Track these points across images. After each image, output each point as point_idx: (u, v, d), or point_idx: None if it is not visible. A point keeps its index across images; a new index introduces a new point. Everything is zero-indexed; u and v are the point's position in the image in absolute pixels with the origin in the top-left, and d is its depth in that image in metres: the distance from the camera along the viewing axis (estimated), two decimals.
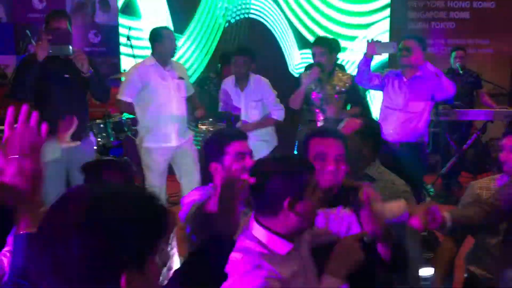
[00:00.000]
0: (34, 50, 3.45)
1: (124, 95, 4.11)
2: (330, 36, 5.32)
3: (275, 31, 6.40)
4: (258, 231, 1.61)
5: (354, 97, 4.19)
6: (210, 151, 2.18)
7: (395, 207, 1.79)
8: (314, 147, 2.05)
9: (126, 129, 5.02)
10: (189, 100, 4.23)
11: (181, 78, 4.11)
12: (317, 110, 4.13)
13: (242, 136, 2.19)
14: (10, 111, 1.17)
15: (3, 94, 4.85)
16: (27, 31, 5.37)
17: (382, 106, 3.96)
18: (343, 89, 4.12)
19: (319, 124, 4.06)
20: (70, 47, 3.34)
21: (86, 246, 0.80)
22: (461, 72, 5.67)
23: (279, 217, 1.58)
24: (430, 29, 6.53)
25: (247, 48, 4.42)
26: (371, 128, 2.38)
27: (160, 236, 0.88)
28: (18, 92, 3.49)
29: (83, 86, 3.60)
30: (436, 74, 3.74)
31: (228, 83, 4.39)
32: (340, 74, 4.20)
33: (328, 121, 3.98)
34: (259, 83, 4.28)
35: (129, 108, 4.18)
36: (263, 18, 6.40)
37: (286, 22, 6.36)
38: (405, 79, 3.86)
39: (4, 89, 5.05)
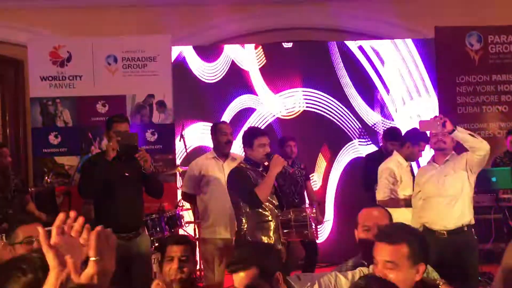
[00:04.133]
0: (105, 149, 3.73)
1: (186, 187, 4.41)
2: None
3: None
4: None
5: None
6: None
7: None
8: None
9: (179, 224, 5.14)
10: None
11: None
12: None
13: None
14: (61, 216, 1.27)
15: (64, 193, 5.15)
16: (89, 134, 5.79)
17: (419, 199, 3.91)
18: None
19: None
20: (136, 147, 3.61)
21: None
22: None
23: None
24: (481, 113, 6.46)
25: None
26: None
27: None
28: (85, 191, 3.73)
29: (140, 183, 3.80)
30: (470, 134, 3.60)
31: None
32: None
33: None
34: None
35: (191, 199, 4.41)
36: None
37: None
38: (437, 166, 3.83)
39: (65, 188, 5.37)
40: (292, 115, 6.60)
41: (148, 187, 3.85)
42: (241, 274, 2.03)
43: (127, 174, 3.73)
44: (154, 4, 6.63)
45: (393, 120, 6.58)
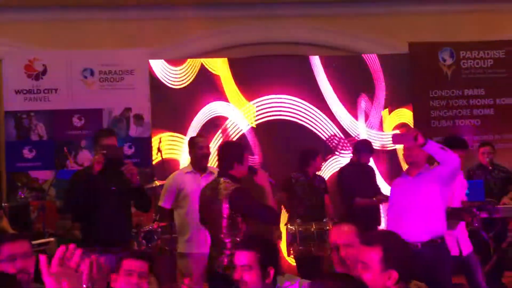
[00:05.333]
0: (91, 164, 3.70)
1: (163, 201, 4.37)
2: None
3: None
4: None
5: None
6: None
7: None
8: None
9: (156, 238, 5.08)
10: None
11: None
12: None
13: None
14: (60, 249, 1.31)
15: (39, 208, 5.07)
16: (65, 148, 5.73)
17: (392, 212, 3.95)
18: None
19: None
20: (122, 161, 3.60)
21: None
22: (490, 168, 5.65)
23: None
24: (455, 126, 6.60)
25: None
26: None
27: None
28: (71, 207, 3.68)
29: (127, 197, 3.78)
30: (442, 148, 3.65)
31: None
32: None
33: None
34: None
35: (168, 214, 4.35)
36: None
37: None
38: (410, 178, 3.89)
39: (40, 202, 5.29)
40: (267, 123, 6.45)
41: (136, 200, 3.84)
42: (244, 253, 2.33)
43: (113, 188, 3.70)
44: (130, 18, 6.62)
45: (382, 130, 6.62)
